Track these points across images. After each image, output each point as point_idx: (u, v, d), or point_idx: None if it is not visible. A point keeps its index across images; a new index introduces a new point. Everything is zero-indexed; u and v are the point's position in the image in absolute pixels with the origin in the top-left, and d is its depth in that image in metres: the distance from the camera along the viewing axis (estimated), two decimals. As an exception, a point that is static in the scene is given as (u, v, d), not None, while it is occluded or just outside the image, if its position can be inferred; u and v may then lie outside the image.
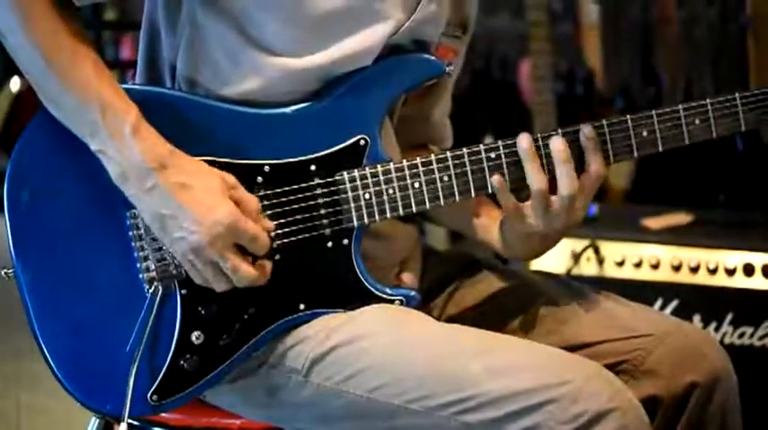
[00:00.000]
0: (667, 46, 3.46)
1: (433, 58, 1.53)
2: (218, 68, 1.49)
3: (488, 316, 1.65)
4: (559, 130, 1.51)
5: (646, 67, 3.74)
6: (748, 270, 2.39)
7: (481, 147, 1.51)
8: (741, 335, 2.37)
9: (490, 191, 1.51)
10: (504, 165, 1.51)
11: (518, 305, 1.66)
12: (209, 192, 1.40)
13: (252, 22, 1.47)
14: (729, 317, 2.37)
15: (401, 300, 1.53)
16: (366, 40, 1.49)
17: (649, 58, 3.72)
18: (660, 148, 1.54)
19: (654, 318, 1.64)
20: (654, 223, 2.60)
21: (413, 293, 1.54)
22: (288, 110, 1.49)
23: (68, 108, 1.42)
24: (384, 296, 1.52)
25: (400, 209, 1.50)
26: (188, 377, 1.47)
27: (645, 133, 1.53)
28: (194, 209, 1.39)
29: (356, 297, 1.52)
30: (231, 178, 1.44)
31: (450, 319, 1.67)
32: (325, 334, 1.49)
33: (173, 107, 1.47)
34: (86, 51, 1.42)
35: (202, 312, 1.47)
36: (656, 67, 3.63)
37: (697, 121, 1.54)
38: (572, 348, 1.56)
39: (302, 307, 1.50)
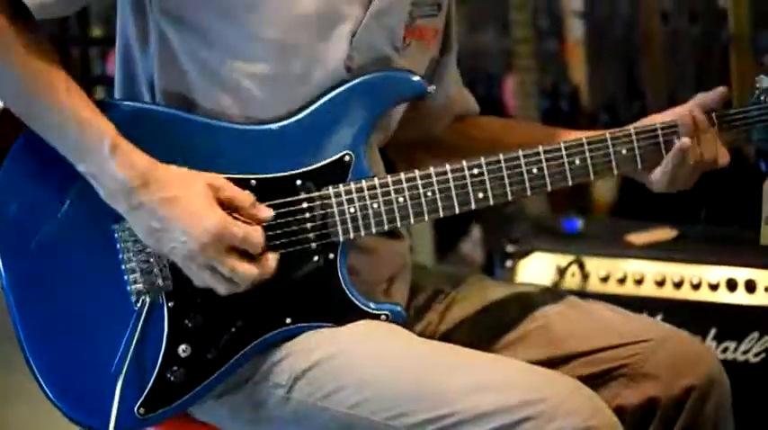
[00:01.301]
0: (651, 62, 3.48)
1: (416, 77, 1.54)
2: (191, 82, 1.50)
3: (483, 330, 1.67)
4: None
5: (630, 83, 3.76)
6: (731, 285, 2.40)
7: (464, 163, 1.52)
8: (725, 350, 2.38)
9: (474, 207, 1.53)
10: (487, 181, 1.53)
11: (513, 318, 1.68)
12: (196, 201, 1.41)
13: (217, 35, 1.47)
14: (713, 332, 2.38)
15: (387, 315, 1.54)
16: (330, 45, 1.50)
17: (633, 74, 3.74)
18: (639, 167, 1.58)
19: (650, 324, 1.69)
20: (638, 239, 2.61)
21: (399, 309, 1.55)
22: (273, 126, 1.50)
23: (52, 132, 1.43)
24: (370, 311, 1.53)
25: (385, 223, 1.51)
26: (175, 390, 1.47)
27: (624, 152, 1.57)
28: (182, 220, 1.40)
29: (342, 311, 1.53)
30: (218, 179, 1.44)
31: (445, 335, 1.68)
32: (309, 349, 1.50)
33: (154, 122, 1.48)
34: (57, 73, 1.42)
35: (189, 325, 1.48)
36: (641, 82, 3.64)
37: (675, 140, 1.58)
38: (570, 357, 1.58)
39: (288, 320, 1.51)
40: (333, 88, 1.51)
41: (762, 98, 1.61)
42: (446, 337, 1.64)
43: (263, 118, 1.50)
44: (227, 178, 1.47)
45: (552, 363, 1.59)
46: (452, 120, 1.77)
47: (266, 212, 1.46)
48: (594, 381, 1.57)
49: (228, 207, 1.43)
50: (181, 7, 1.47)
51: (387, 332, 1.52)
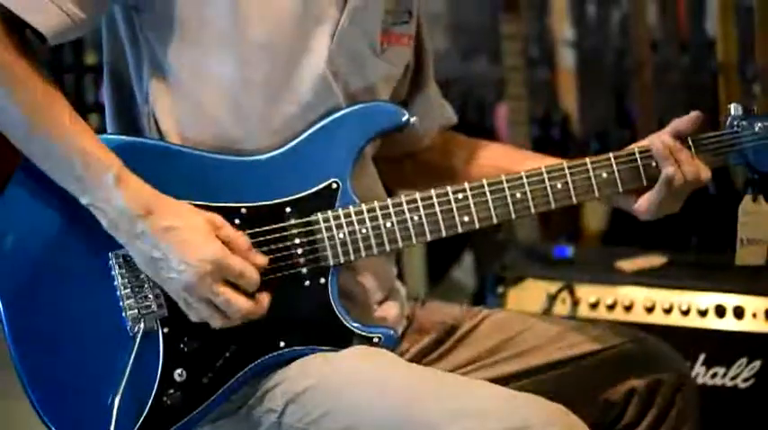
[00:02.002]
0: (641, 91, 3.50)
1: (395, 108, 1.58)
2: (182, 93, 1.52)
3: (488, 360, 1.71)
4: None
5: (620, 112, 3.79)
6: (720, 311, 2.41)
7: (448, 188, 1.55)
8: (714, 376, 2.39)
9: (460, 230, 1.56)
10: (472, 206, 1.55)
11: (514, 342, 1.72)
12: (195, 232, 1.43)
13: (202, 35, 1.50)
14: (702, 357, 2.39)
15: (379, 337, 1.56)
16: (313, 45, 1.53)
17: (624, 103, 3.77)
18: (620, 189, 1.61)
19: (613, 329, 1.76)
20: (628, 265, 2.63)
21: (391, 332, 1.57)
22: (262, 156, 1.53)
23: (53, 165, 1.44)
24: (362, 334, 1.55)
25: (374, 247, 1.54)
26: (172, 414, 1.48)
27: (604, 175, 1.60)
28: (181, 249, 1.42)
29: (335, 334, 1.54)
30: (218, 218, 1.47)
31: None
32: (301, 374, 1.51)
33: (150, 155, 1.51)
34: (61, 104, 1.44)
35: (185, 350, 1.49)
36: (631, 111, 3.67)
37: (653, 164, 1.61)
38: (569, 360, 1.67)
39: (282, 344, 1.52)
40: (320, 119, 1.55)
41: (734, 124, 1.64)
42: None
43: (252, 127, 1.53)
44: (218, 206, 1.49)
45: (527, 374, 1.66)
46: (436, 134, 1.80)
47: (261, 259, 1.48)
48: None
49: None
50: (162, 17, 1.49)
51: (377, 357, 1.54)
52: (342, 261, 1.53)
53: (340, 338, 1.54)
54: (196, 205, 1.48)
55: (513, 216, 1.57)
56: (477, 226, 1.56)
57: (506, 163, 1.69)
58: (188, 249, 1.42)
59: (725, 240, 2.74)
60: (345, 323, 1.54)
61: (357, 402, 1.47)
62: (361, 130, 1.56)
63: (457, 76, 4.26)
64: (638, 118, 3.54)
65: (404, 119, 1.58)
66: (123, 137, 1.54)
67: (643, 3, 3.39)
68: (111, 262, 1.48)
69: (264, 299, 1.48)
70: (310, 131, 1.54)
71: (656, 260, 2.66)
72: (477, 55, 4.23)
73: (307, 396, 1.50)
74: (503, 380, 1.63)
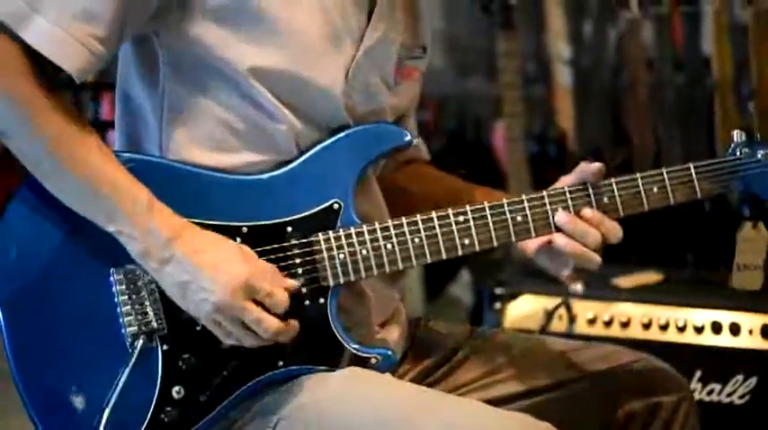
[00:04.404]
0: (637, 108, 3.52)
1: (398, 129, 1.59)
2: (201, 121, 1.53)
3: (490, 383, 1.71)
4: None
5: (616, 129, 3.80)
6: (716, 328, 2.43)
7: (450, 211, 1.56)
8: (710, 392, 2.40)
9: (461, 253, 1.56)
10: (473, 228, 1.56)
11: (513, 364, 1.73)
12: (226, 255, 1.45)
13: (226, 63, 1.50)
14: (698, 374, 2.41)
15: (377, 358, 1.56)
16: (327, 73, 1.53)
17: (620, 120, 3.78)
18: (621, 214, 1.60)
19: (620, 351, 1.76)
20: (625, 282, 2.64)
21: (389, 353, 1.57)
22: (264, 176, 1.54)
23: (79, 196, 1.46)
24: (361, 354, 1.55)
25: (374, 268, 1.54)
26: (169, 432, 1.49)
27: (606, 200, 1.59)
28: (210, 270, 1.44)
29: (333, 355, 1.55)
30: (246, 248, 1.48)
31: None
32: (296, 393, 1.52)
33: (154, 171, 1.51)
34: (89, 135, 1.46)
35: (183, 367, 1.50)
36: (627, 128, 3.69)
37: (655, 189, 1.60)
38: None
39: (280, 364, 1.53)
40: (321, 140, 1.55)
41: (737, 152, 1.64)
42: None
43: (267, 150, 1.54)
44: (219, 225, 1.50)
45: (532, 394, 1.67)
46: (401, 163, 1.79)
47: (290, 283, 1.49)
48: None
49: None
50: (188, 45, 1.50)
51: (370, 376, 1.54)
52: (341, 281, 1.54)
53: (338, 358, 1.54)
54: (198, 223, 1.49)
55: (514, 239, 1.58)
56: (477, 248, 1.57)
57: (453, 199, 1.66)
58: (218, 270, 1.44)
59: (721, 257, 2.76)
60: (344, 343, 1.55)
61: (348, 420, 1.48)
62: (364, 151, 1.57)
63: (454, 94, 4.27)
64: (634, 135, 3.56)
65: (406, 139, 1.58)
66: (129, 154, 1.54)
67: (639, 21, 3.41)
68: (112, 278, 1.49)
69: (293, 324, 1.49)
70: (313, 151, 1.55)
71: (652, 277, 2.68)
72: (473, 72, 4.24)
73: (298, 414, 1.51)
74: (501, 402, 1.64)
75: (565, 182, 1.61)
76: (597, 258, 1.58)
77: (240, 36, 1.49)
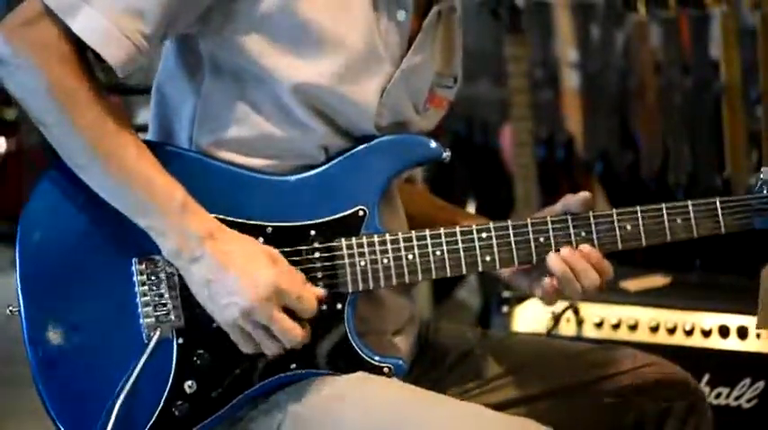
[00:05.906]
0: (645, 112, 3.52)
1: (434, 143, 1.58)
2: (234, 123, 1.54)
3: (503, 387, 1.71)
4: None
5: (624, 133, 3.80)
6: (723, 331, 2.43)
7: (473, 227, 1.56)
8: (718, 396, 2.40)
9: (480, 269, 1.57)
10: (495, 246, 1.56)
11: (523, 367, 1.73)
12: (253, 259, 1.46)
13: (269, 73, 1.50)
14: (706, 377, 2.41)
15: (389, 368, 1.56)
16: (364, 91, 1.54)
17: (628, 124, 3.78)
18: (644, 243, 1.59)
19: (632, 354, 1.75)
20: (632, 285, 2.64)
21: (401, 362, 1.58)
22: (292, 177, 1.55)
23: (113, 190, 1.46)
24: (373, 362, 1.56)
25: (393, 278, 1.55)
26: (178, 425, 1.50)
27: (629, 227, 1.58)
28: (239, 274, 1.44)
29: (346, 361, 1.55)
30: (275, 251, 1.48)
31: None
32: (303, 393, 1.53)
33: (184, 164, 1.52)
34: (127, 131, 1.46)
35: (197, 362, 1.51)
36: (635, 132, 3.69)
37: (678, 220, 1.59)
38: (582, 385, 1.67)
39: (293, 366, 1.54)
40: (352, 146, 1.56)
41: (764, 189, 1.61)
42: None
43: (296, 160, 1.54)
44: (245, 223, 1.51)
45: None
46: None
47: (317, 291, 1.50)
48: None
49: None
50: (231, 51, 1.50)
51: (378, 378, 1.55)
52: (360, 288, 1.54)
53: (351, 365, 1.55)
54: (223, 220, 1.50)
55: (534, 260, 1.57)
56: (498, 266, 1.57)
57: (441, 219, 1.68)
58: (246, 275, 1.44)
59: (728, 261, 2.76)
60: (358, 351, 1.55)
61: (354, 421, 1.49)
62: (395, 160, 1.57)
63: (461, 98, 4.26)
64: (642, 139, 3.57)
65: (444, 154, 1.58)
66: (167, 146, 1.55)
67: (647, 25, 3.41)
68: (133, 267, 1.50)
69: (308, 327, 1.49)
70: (343, 157, 1.56)
71: (660, 280, 2.67)
72: (481, 76, 4.24)
73: (305, 413, 1.51)
74: (509, 405, 1.64)
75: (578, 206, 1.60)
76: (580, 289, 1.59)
77: (284, 47, 1.49)
